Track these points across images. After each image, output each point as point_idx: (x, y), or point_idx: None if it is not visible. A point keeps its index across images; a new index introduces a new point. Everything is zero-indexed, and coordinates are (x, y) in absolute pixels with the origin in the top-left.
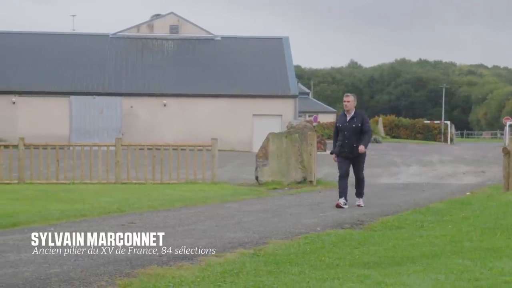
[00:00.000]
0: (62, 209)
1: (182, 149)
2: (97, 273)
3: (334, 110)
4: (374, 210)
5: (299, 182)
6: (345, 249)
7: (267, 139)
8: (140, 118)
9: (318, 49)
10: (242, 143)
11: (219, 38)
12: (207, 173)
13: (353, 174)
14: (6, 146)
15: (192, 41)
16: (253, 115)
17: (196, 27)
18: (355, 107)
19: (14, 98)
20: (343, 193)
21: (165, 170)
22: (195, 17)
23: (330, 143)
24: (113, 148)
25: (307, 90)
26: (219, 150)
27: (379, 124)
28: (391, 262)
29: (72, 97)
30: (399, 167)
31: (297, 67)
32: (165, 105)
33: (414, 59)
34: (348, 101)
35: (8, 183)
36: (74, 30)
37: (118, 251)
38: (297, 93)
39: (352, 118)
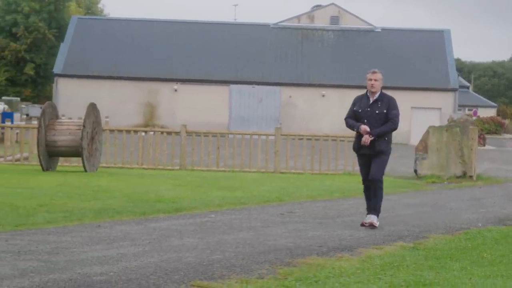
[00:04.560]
0: (223, 196)
1: (341, 140)
2: (258, 261)
3: (495, 105)
4: None
5: (458, 177)
6: (508, 246)
7: (427, 132)
8: (297, 108)
9: (479, 42)
10: (399, 135)
11: (379, 30)
12: None
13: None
14: (168, 133)
15: (352, 32)
16: (412, 107)
17: (357, 18)
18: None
19: (176, 85)
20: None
21: (324, 160)
22: (355, 7)
23: (489, 138)
24: (272, 137)
25: (467, 84)
26: None
27: None
28: None
29: (232, 85)
30: None
31: (457, 60)
32: (323, 95)
33: None
34: (376, 80)
35: (170, 169)
36: (236, 19)
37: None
38: (457, 87)
39: (375, 101)
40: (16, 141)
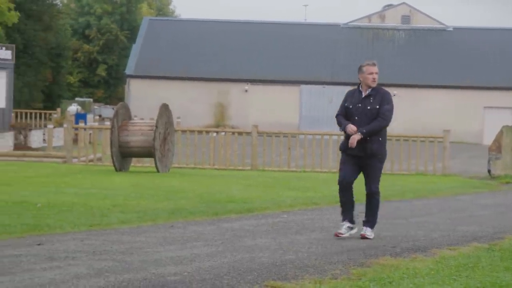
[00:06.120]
0: (294, 197)
1: (413, 140)
2: (331, 262)
3: None
4: None
5: None
6: None
7: (501, 132)
8: None
9: None
10: (472, 135)
11: (451, 29)
12: (437, 165)
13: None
14: (239, 133)
15: (423, 31)
16: (484, 107)
17: (428, 18)
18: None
19: (246, 86)
20: (346, 213)
21: (396, 160)
22: (426, 6)
23: None
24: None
25: None
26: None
27: None
28: None
29: (302, 85)
30: None
31: None
32: (394, 95)
33: None
34: (377, 73)
35: (241, 170)
36: (306, 20)
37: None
38: None
39: (368, 96)
40: (90, 142)
